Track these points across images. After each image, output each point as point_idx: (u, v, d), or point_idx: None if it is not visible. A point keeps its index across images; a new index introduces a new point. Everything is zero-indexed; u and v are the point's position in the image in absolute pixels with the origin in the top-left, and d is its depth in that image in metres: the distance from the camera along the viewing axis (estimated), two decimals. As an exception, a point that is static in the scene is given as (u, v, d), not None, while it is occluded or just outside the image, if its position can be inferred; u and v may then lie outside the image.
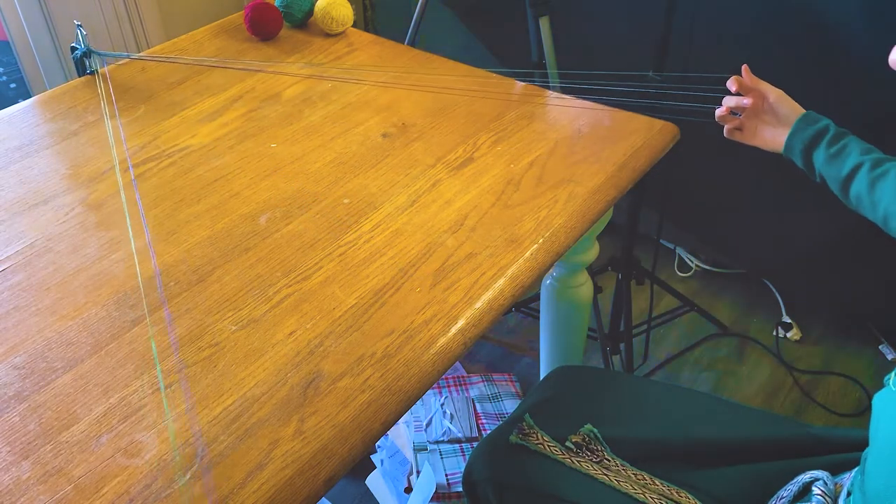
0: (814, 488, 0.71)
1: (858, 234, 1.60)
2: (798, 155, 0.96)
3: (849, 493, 0.68)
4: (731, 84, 0.99)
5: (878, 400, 0.67)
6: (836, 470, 0.77)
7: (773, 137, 0.99)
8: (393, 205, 0.93)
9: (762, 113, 1.00)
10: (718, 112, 1.02)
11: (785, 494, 0.76)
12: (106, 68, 1.20)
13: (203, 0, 1.93)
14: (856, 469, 0.70)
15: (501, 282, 0.82)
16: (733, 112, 1.01)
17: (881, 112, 1.44)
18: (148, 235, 0.88)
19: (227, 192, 0.96)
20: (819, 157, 0.94)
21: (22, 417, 0.68)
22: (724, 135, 1.04)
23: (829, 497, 0.70)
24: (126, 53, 1.26)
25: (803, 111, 0.97)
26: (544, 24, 1.49)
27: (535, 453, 0.88)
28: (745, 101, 0.98)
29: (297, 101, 1.14)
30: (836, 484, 0.72)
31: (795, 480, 0.76)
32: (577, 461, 0.86)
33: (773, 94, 0.98)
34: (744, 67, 0.99)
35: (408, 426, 1.50)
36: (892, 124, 1.45)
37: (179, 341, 0.75)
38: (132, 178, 0.97)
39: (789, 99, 0.98)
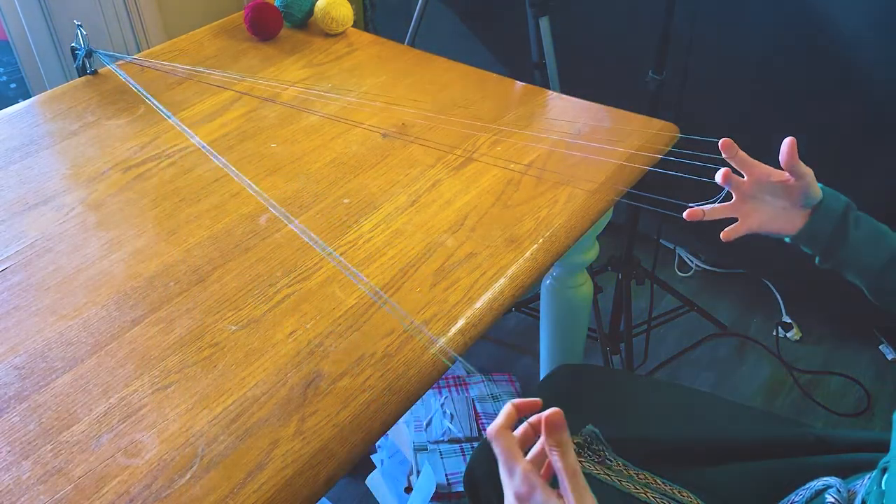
0: (827, 495, 0.71)
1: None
2: (823, 240, 0.81)
3: (863, 502, 0.68)
4: (729, 152, 0.78)
5: None
6: (839, 472, 0.76)
7: (778, 221, 0.82)
8: (393, 205, 0.93)
9: (760, 192, 0.82)
10: (690, 213, 0.82)
11: (797, 499, 0.75)
12: (115, 65, 1.20)
13: (203, 0, 1.93)
14: (869, 476, 0.70)
15: (501, 282, 0.82)
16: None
17: (886, 110, 1.44)
18: (247, 179, 0.88)
19: (227, 191, 0.96)
20: (846, 241, 0.80)
21: (22, 417, 0.68)
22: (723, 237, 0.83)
23: None
24: (126, 55, 1.26)
25: (819, 187, 0.81)
26: (544, 24, 1.49)
27: (536, 453, 0.88)
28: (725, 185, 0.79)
29: (296, 101, 1.14)
30: (849, 491, 0.72)
31: (807, 486, 0.75)
32: (579, 461, 0.85)
33: (809, 175, 0.79)
34: (789, 143, 0.76)
35: (408, 426, 1.50)
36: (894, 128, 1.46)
37: (180, 341, 0.75)
38: (205, 144, 0.97)
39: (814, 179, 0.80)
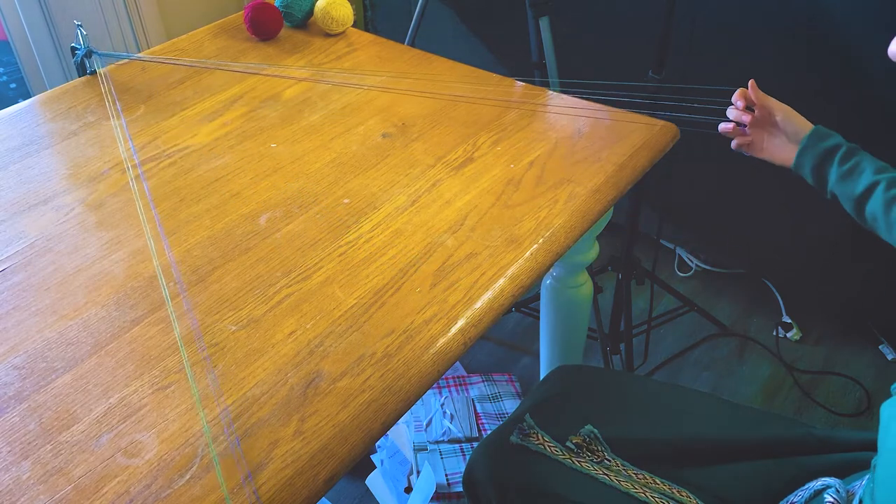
0: (826, 496, 0.71)
1: (858, 234, 1.60)
2: (809, 172, 0.95)
3: (861, 502, 0.68)
4: (738, 99, 0.98)
5: (886, 409, 0.66)
6: (839, 471, 0.76)
7: (782, 152, 0.98)
8: (393, 205, 0.93)
9: (768, 126, 0.99)
10: (723, 127, 1.01)
11: (796, 500, 0.76)
12: (105, 69, 1.20)
13: (203, 0, 1.93)
14: (867, 477, 0.70)
15: (501, 282, 0.82)
16: (739, 125, 1.00)
17: (885, 111, 1.44)
18: (161, 228, 0.88)
19: (228, 192, 0.96)
20: (831, 174, 0.92)
21: (22, 417, 0.68)
22: (732, 147, 1.03)
23: None
24: (126, 54, 1.26)
25: (812, 126, 0.95)
26: (544, 24, 1.49)
27: (536, 454, 0.88)
28: (745, 117, 0.98)
29: (297, 101, 1.14)
30: (848, 492, 0.72)
31: (807, 486, 0.76)
32: (578, 461, 0.86)
33: (780, 111, 0.96)
34: (751, 83, 0.97)
35: (408, 426, 1.50)
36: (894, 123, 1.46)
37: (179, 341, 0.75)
38: (138, 173, 0.97)
39: (797, 115, 0.96)
